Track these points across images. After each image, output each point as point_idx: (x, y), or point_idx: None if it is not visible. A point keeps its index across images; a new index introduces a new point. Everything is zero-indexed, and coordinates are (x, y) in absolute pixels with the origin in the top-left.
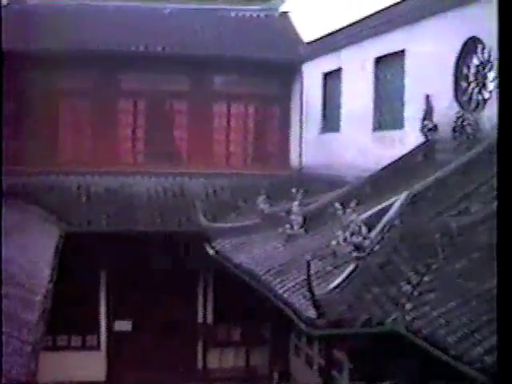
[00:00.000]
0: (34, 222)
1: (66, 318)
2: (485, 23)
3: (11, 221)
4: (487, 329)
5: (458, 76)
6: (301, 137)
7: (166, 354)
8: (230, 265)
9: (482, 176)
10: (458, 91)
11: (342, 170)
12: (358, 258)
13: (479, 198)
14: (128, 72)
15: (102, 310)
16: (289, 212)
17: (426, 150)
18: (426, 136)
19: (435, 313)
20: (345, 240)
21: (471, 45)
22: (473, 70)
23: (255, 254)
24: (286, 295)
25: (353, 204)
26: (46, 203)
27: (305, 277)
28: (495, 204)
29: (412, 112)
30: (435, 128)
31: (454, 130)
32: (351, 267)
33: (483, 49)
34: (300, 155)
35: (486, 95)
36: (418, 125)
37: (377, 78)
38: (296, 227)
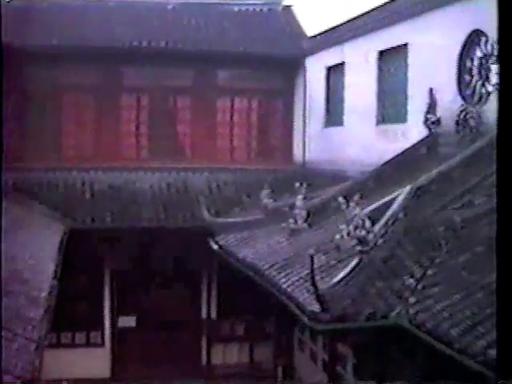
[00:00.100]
0: (38, 218)
1: (70, 315)
2: (488, 16)
3: (15, 217)
4: (490, 322)
5: (462, 69)
6: (304, 131)
7: (170, 349)
8: (234, 260)
9: (486, 169)
10: (461, 84)
11: (346, 164)
12: (361, 252)
13: (483, 191)
14: (131, 67)
15: (106, 306)
16: (292, 206)
17: (430, 144)
18: (429, 129)
19: (439, 306)
20: (348, 234)
21: (474, 38)
22: (476, 63)
23: (259, 248)
24: (289, 290)
25: (356, 198)
26: (50, 199)
27: (308, 271)
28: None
29: (415, 106)
30: (438, 121)
31: (457, 123)
32: (355, 261)
33: (486, 41)
34: (303, 149)
35: (490, 88)
36: (421, 118)
37: (380, 71)
38: (300, 222)
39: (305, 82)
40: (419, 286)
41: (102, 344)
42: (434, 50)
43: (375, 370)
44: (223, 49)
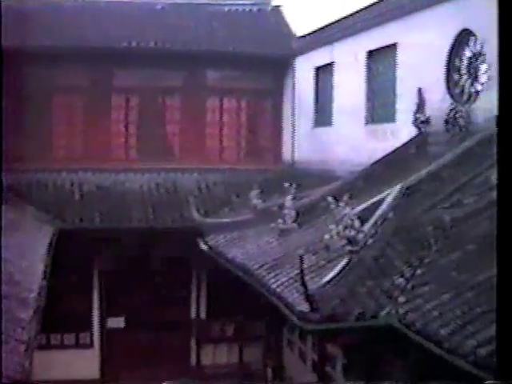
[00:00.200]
0: (28, 219)
1: (59, 316)
2: (476, 15)
3: (7, 219)
4: (480, 321)
5: (451, 68)
6: (293, 131)
7: (159, 350)
8: (224, 260)
9: (475, 168)
10: (450, 84)
11: (335, 163)
12: (351, 252)
13: (472, 191)
14: (120, 68)
15: (95, 307)
16: (282, 207)
17: (419, 143)
18: (418, 129)
19: (428, 306)
20: (338, 234)
21: (463, 37)
22: (465, 63)
23: (248, 248)
24: (279, 290)
25: (346, 198)
26: (39, 200)
27: (298, 271)
28: (488, 196)
29: (404, 105)
30: (428, 121)
31: (446, 122)
32: (344, 261)
33: (475, 41)
34: (293, 149)
35: (479, 87)
36: (410, 118)
37: (369, 71)
38: (289, 222)
39: (294, 82)
40: (409, 286)
41: (91, 345)
42: (422, 50)
43: (365, 370)
44: (212, 49)
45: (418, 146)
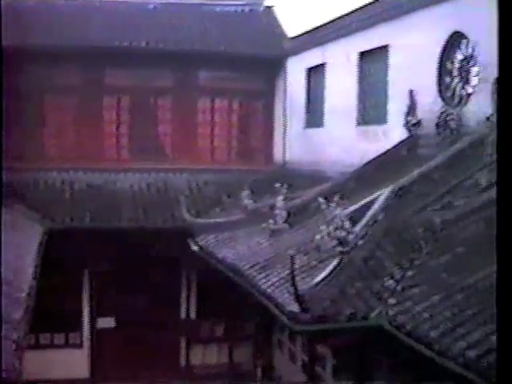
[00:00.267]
0: (19, 218)
1: (49, 316)
2: (468, 18)
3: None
4: (470, 323)
5: (442, 71)
6: (285, 132)
7: (149, 350)
8: (214, 260)
9: (466, 171)
10: (441, 86)
11: (326, 164)
12: (341, 253)
13: (462, 193)
14: (112, 68)
15: (85, 307)
16: (273, 207)
17: (410, 145)
18: (409, 131)
19: (418, 307)
20: (329, 235)
21: (455, 39)
22: (456, 65)
23: (239, 249)
24: (269, 290)
25: (337, 198)
26: (30, 199)
27: (289, 272)
28: (478, 198)
29: (396, 106)
30: (419, 123)
31: (437, 125)
32: (335, 262)
33: (467, 43)
34: (284, 150)
35: (470, 90)
36: (401, 120)
37: (361, 72)
38: (280, 222)
39: (286, 82)
40: (399, 288)
41: (81, 345)
42: (414, 52)
43: (354, 371)
44: (204, 49)
45: (409, 148)
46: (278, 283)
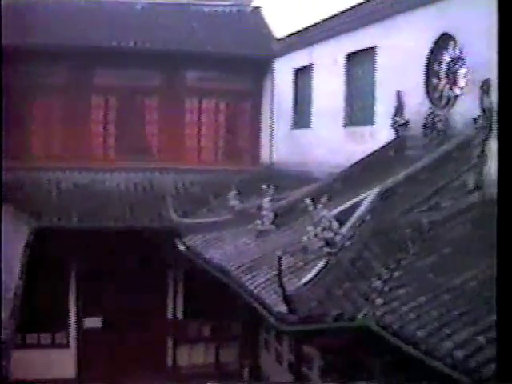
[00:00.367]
0: (6, 217)
1: (36, 316)
2: (456, 19)
3: None
4: (457, 323)
5: (430, 72)
6: (272, 133)
7: (135, 350)
8: (201, 261)
9: (453, 172)
10: (429, 88)
11: (313, 165)
12: (329, 254)
13: (449, 194)
14: (100, 67)
15: (72, 307)
16: (260, 208)
17: (397, 147)
18: (396, 132)
19: (405, 308)
20: (316, 235)
21: (442, 41)
22: (444, 67)
23: (226, 249)
24: (256, 291)
25: (324, 199)
26: (17, 199)
27: (276, 272)
28: (465, 200)
29: (383, 108)
30: (406, 124)
31: (424, 126)
32: (322, 263)
33: (455, 45)
34: (271, 151)
35: (457, 92)
36: (388, 121)
37: (348, 73)
38: (267, 223)
39: (273, 83)
40: (386, 288)
41: (68, 345)
42: (402, 53)
43: (342, 372)
44: (192, 49)
45: (396, 149)
46: (265, 284)
